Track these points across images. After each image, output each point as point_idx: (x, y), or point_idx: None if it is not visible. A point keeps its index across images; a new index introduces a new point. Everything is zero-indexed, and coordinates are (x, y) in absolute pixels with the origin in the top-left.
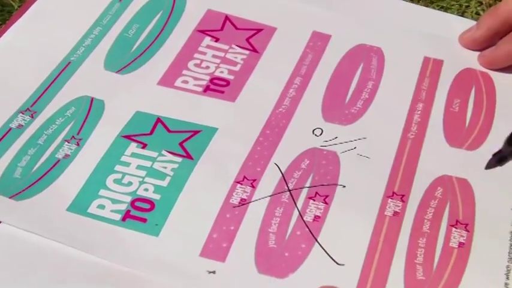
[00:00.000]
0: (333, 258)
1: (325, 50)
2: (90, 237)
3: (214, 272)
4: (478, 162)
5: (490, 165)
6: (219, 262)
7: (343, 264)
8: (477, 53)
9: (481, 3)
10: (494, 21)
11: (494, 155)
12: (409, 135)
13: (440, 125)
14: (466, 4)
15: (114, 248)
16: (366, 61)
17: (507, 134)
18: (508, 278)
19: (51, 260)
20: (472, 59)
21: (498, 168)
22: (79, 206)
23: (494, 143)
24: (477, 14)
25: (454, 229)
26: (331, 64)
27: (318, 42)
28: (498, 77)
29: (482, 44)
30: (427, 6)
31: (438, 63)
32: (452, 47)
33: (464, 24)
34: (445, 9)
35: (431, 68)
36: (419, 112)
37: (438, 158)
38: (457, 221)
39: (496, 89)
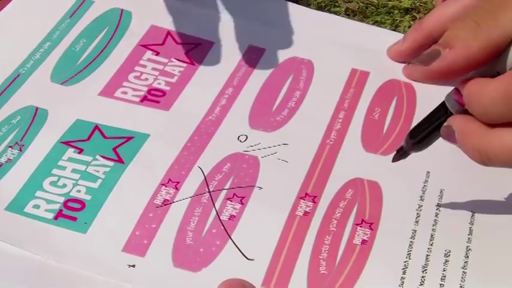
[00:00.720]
0: (244, 253)
1: (259, 62)
2: (25, 235)
3: (134, 266)
4: (390, 166)
5: (395, 159)
6: (139, 257)
7: (252, 260)
8: (403, 65)
9: (415, 18)
10: (418, 34)
11: (398, 150)
12: (328, 141)
13: (359, 131)
14: (400, 19)
15: (45, 245)
16: (295, 73)
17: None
18: (404, 273)
19: None
20: (397, 71)
21: (408, 172)
22: (16, 206)
23: None
24: (409, 27)
25: (359, 228)
26: (263, 76)
27: (253, 55)
28: (420, 88)
29: (408, 57)
30: (362, 20)
31: (364, 74)
32: (379, 59)
33: (395, 37)
34: (379, 23)
35: (357, 79)
36: (340, 120)
37: (353, 162)
38: (362, 220)
39: (417, 99)
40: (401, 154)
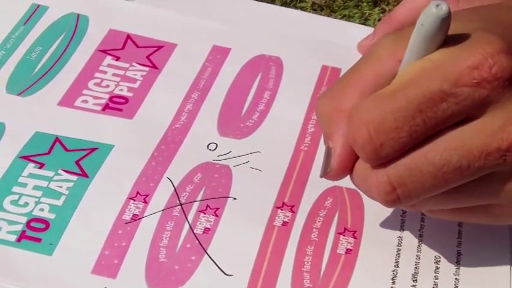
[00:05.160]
0: (222, 269)
1: (225, 62)
2: None
3: None
4: None
5: None
6: (110, 279)
7: (231, 275)
8: None
9: (384, 11)
10: (389, 27)
11: None
12: (302, 147)
13: None
14: (369, 12)
15: (9, 270)
16: (264, 71)
17: None
18: (394, 283)
19: None
20: None
21: None
22: None
23: None
24: (379, 20)
25: (341, 236)
26: (230, 75)
27: (218, 55)
28: None
29: None
30: (329, 15)
31: (336, 71)
32: (350, 55)
33: (365, 32)
34: (347, 17)
35: (328, 76)
36: (314, 122)
37: None
38: (345, 229)
39: None
40: None
